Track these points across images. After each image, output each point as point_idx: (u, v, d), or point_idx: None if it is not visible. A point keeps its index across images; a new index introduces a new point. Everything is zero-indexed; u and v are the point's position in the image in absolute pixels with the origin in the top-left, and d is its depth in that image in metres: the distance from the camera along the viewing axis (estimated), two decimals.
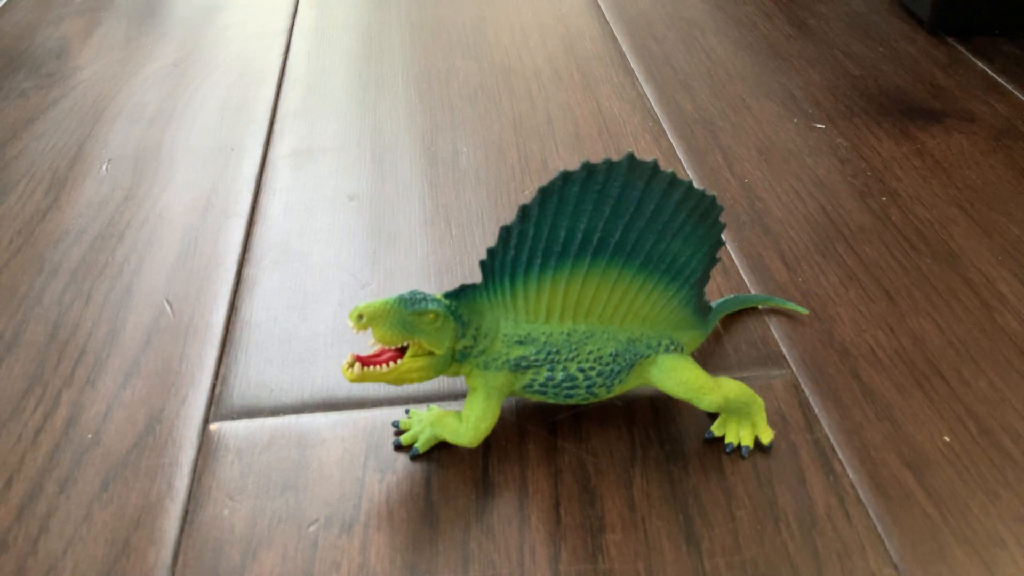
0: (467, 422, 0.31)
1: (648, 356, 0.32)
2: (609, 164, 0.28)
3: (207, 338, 0.38)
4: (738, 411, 0.33)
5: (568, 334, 0.31)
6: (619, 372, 0.32)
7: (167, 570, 0.29)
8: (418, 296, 0.30)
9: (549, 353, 0.31)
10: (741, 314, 0.39)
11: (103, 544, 0.30)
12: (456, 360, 0.31)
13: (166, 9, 0.72)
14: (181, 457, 0.33)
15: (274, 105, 0.57)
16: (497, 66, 0.61)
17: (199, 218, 0.46)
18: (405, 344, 0.30)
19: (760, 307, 0.39)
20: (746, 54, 0.62)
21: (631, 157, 0.28)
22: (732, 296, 0.38)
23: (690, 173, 0.49)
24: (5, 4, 0.74)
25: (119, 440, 0.34)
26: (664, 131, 0.53)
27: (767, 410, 0.34)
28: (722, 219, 0.45)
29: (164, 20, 0.70)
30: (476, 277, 0.42)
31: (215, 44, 0.66)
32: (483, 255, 0.43)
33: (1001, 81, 0.57)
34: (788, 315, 0.39)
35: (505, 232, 0.29)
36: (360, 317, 0.28)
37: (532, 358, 0.31)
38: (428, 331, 0.29)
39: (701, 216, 0.30)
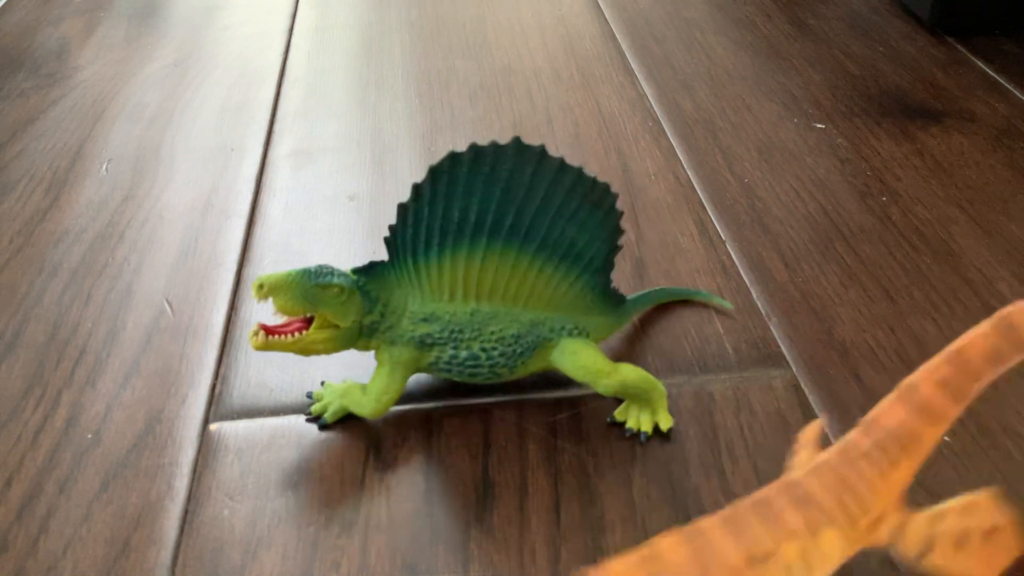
0: (370, 394, 0.32)
1: (551, 339, 0.33)
2: (496, 146, 0.29)
3: (207, 338, 0.38)
4: (638, 397, 0.33)
5: (471, 314, 0.32)
6: (522, 354, 0.33)
7: (167, 570, 0.29)
8: (324, 270, 0.30)
9: (452, 332, 0.32)
10: (740, 316, 0.39)
11: (103, 544, 0.30)
12: (364, 335, 0.32)
13: (166, 9, 0.72)
14: (181, 457, 0.33)
15: (274, 105, 0.57)
16: (497, 66, 0.61)
17: (199, 218, 0.46)
18: (311, 316, 0.31)
19: (690, 300, 0.40)
20: (746, 54, 0.62)
21: (518, 141, 0.29)
22: (656, 288, 0.38)
23: (690, 173, 0.49)
24: (5, 4, 0.74)
25: (119, 440, 0.34)
26: (664, 131, 0.53)
27: (768, 410, 0.34)
28: (721, 219, 0.45)
29: (164, 20, 0.70)
30: None
31: (215, 44, 0.66)
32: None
33: (1001, 81, 0.57)
34: (789, 315, 0.39)
35: (402, 210, 0.30)
36: (261, 287, 0.29)
37: (436, 336, 0.32)
38: (333, 304, 0.30)
39: (595, 203, 0.31)
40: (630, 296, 0.37)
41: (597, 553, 0.29)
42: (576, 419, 0.34)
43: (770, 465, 0.32)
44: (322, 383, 0.35)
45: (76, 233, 0.45)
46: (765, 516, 0.24)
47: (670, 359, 0.37)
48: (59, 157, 0.52)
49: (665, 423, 0.33)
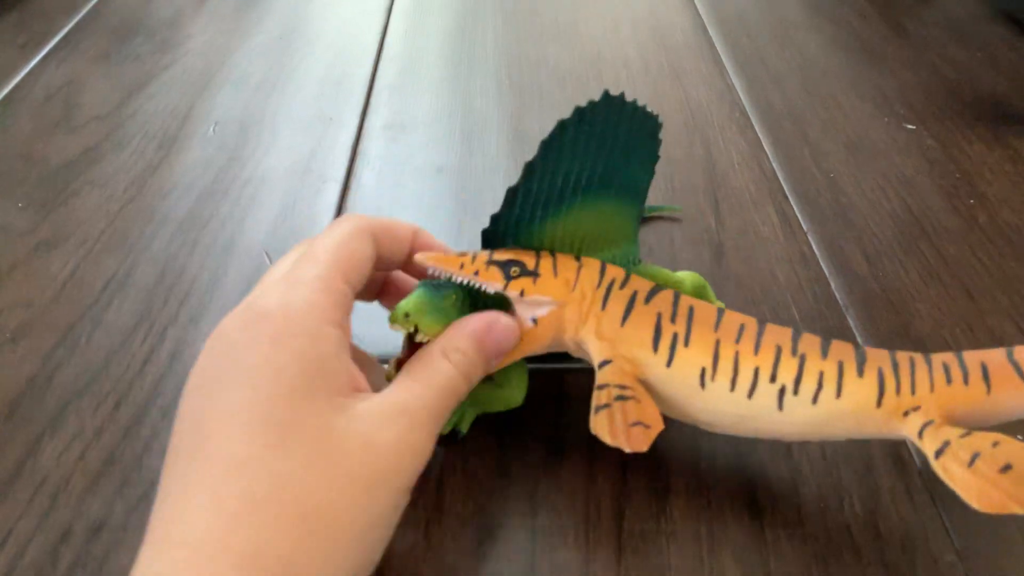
0: (511, 383, 0.33)
1: (628, 270, 0.33)
2: (592, 104, 0.29)
3: None
4: (698, 295, 0.36)
5: None
6: None
7: None
8: (434, 283, 0.30)
9: None
10: (818, 306, 0.39)
11: None
12: None
13: None
14: None
15: (371, 80, 0.59)
16: (587, 53, 0.62)
17: (298, 181, 0.49)
18: (419, 337, 0.30)
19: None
20: (840, 53, 0.61)
21: (607, 94, 0.30)
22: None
23: (775, 164, 0.49)
24: None
25: None
26: (751, 123, 0.53)
27: None
28: (804, 211, 0.45)
29: None
30: None
31: (318, 20, 0.68)
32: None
33: None
34: (867, 307, 0.39)
35: (511, 194, 0.30)
36: (407, 316, 0.28)
37: None
38: (456, 313, 0.30)
39: (650, 135, 0.32)
40: None
41: (660, 515, 0.30)
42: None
43: (839, 447, 0.33)
44: None
45: (184, 188, 0.48)
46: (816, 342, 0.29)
47: None
48: (170, 118, 0.55)
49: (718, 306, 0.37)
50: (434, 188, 0.48)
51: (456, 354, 0.27)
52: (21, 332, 0.38)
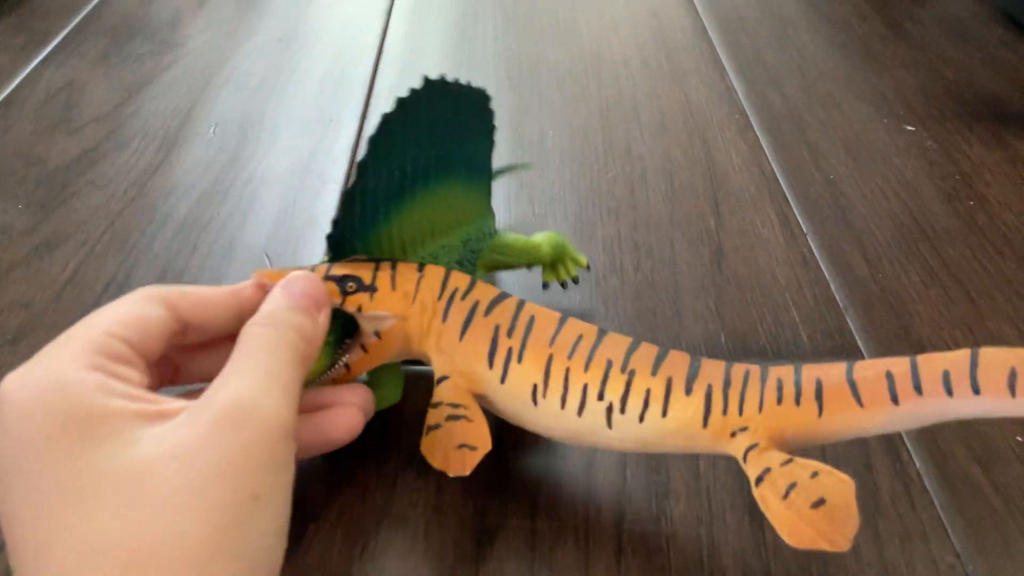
0: (382, 384, 0.33)
1: (481, 248, 0.34)
2: (414, 92, 0.29)
3: None
4: (559, 253, 0.38)
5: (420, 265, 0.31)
6: (469, 274, 0.32)
7: None
8: None
9: None
10: (818, 307, 0.39)
11: None
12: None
13: None
14: None
15: (371, 80, 0.59)
16: (587, 54, 0.62)
17: (298, 182, 0.49)
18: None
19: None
20: (839, 53, 0.61)
21: (426, 79, 0.29)
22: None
23: (774, 165, 0.49)
24: None
25: None
26: (751, 124, 0.53)
27: None
28: (803, 212, 0.45)
29: None
30: None
31: (318, 21, 0.68)
32: (564, 232, 0.44)
33: None
34: (867, 309, 0.39)
35: (348, 197, 0.28)
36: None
37: None
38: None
39: (480, 109, 0.32)
40: None
41: (661, 516, 0.30)
42: None
43: (838, 448, 0.33)
44: None
45: (185, 188, 0.48)
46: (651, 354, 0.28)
47: (744, 342, 0.37)
48: (170, 118, 0.55)
49: (582, 259, 0.39)
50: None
51: (264, 318, 0.26)
52: (21, 333, 0.38)
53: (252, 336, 0.25)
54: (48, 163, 0.50)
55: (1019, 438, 0.33)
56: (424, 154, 0.30)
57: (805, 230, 0.44)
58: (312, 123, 0.54)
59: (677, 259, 0.42)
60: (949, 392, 0.24)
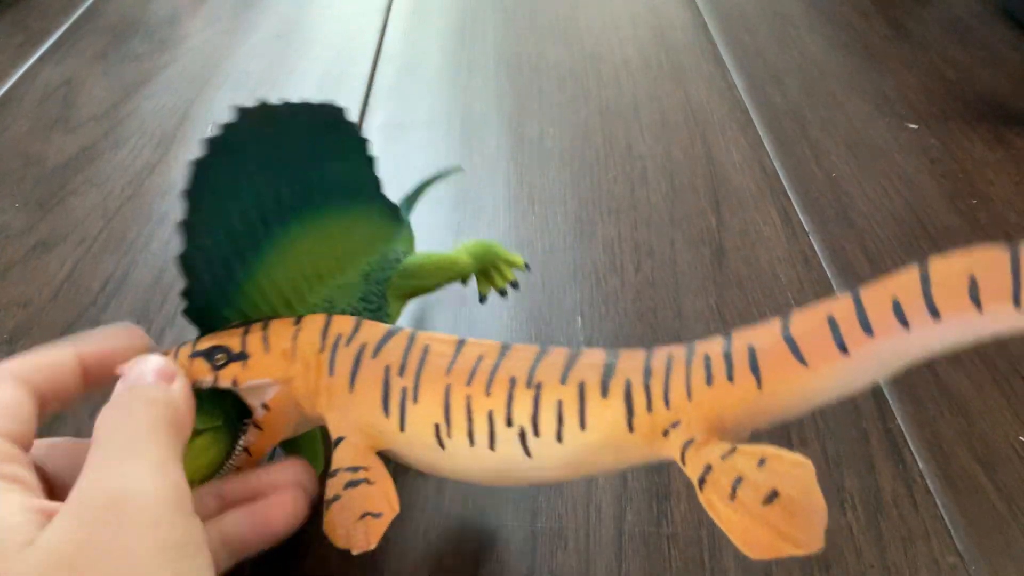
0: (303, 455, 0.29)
1: (389, 277, 0.30)
2: (229, 126, 0.24)
3: None
4: (488, 260, 0.35)
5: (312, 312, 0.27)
6: (379, 309, 0.30)
7: None
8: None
9: None
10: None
11: None
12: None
13: None
14: None
15: (370, 79, 0.59)
16: (587, 52, 0.62)
17: None
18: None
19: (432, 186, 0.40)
20: (840, 52, 0.61)
21: (240, 108, 0.24)
22: (413, 189, 0.39)
23: (776, 164, 0.49)
24: None
25: None
26: (752, 122, 0.53)
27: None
28: (805, 210, 0.45)
29: None
30: (556, 252, 0.43)
31: (316, 19, 0.68)
32: (564, 233, 0.44)
33: None
34: None
35: (185, 261, 0.25)
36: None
37: None
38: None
39: (335, 126, 0.27)
40: (399, 201, 0.35)
41: (662, 518, 0.30)
42: None
43: (840, 448, 0.32)
44: None
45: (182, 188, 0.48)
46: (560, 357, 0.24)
47: None
48: (168, 117, 0.55)
49: (517, 260, 0.36)
50: (433, 189, 0.48)
51: (113, 399, 0.23)
52: (19, 332, 0.38)
53: (104, 421, 0.22)
54: (46, 162, 0.50)
55: (1022, 438, 0.33)
56: (270, 191, 0.25)
57: (807, 229, 0.44)
58: None
59: (678, 259, 0.42)
60: (905, 324, 0.20)
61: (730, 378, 0.22)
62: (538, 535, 0.30)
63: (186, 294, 0.25)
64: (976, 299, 0.19)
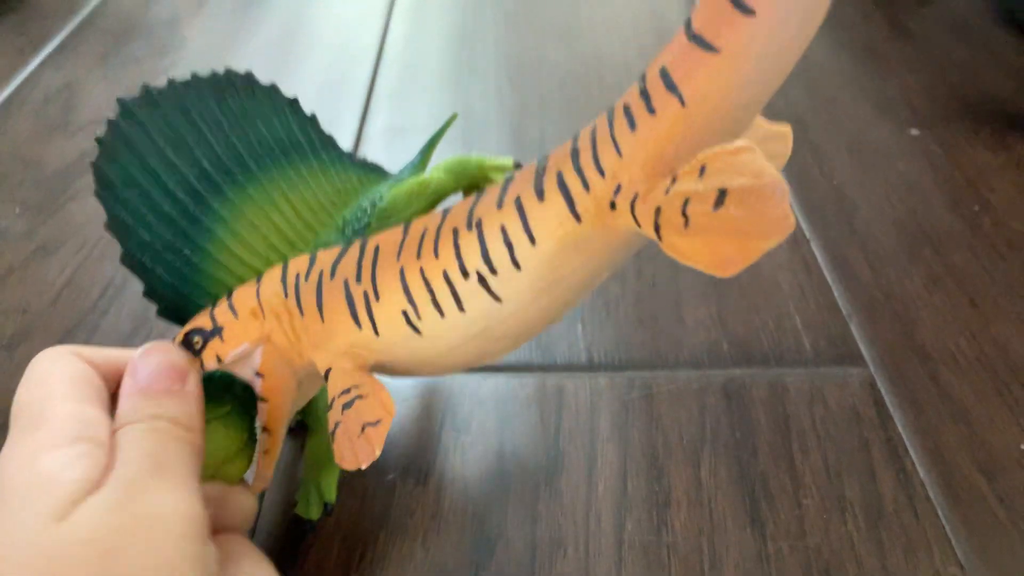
0: (324, 428, 0.29)
1: (368, 223, 0.28)
2: (115, 123, 0.24)
3: None
4: (468, 173, 0.32)
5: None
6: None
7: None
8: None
9: None
10: (821, 313, 0.39)
11: None
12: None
13: None
14: None
15: (371, 82, 0.59)
16: (588, 54, 0.62)
17: None
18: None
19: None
20: (842, 54, 0.61)
21: (120, 100, 0.25)
22: (415, 157, 0.34)
23: None
24: None
25: None
26: None
27: (843, 406, 0.34)
28: (806, 216, 0.45)
29: None
30: None
31: (317, 22, 0.68)
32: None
33: None
34: (870, 315, 0.39)
35: (130, 262, 0.25)
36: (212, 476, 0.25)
37: None
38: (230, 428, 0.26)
39: (252, 93, 0.27)
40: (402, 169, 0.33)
41: (662, 526, 0.30)
42: (647, 399, 0.35)
43: (841, 457, 0.32)
44: None
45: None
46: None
47: (746, 349, 0.37)
48: None
49: (504, 163, 0.32)
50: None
51: (122, 417, 0.22)
52: (18, 338, 0.38)
53: (122, 439, 0.22)
54: (46, 166, 0.50)
55: (1023, 446, 0.33)
56: (192, 168, 0.25)
57: (808, 235, 0.44)
58: None
59: (679, 264, 0.42)
60: None
61: (651, 111, 0.19)
62: (537, 543, 0.29)
63: (148, 293, 0.25)
64: None
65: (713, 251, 0.18)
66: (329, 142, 0.29)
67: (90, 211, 0.46)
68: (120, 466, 0.21)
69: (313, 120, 0.28)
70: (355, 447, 0.22)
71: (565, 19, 0.67)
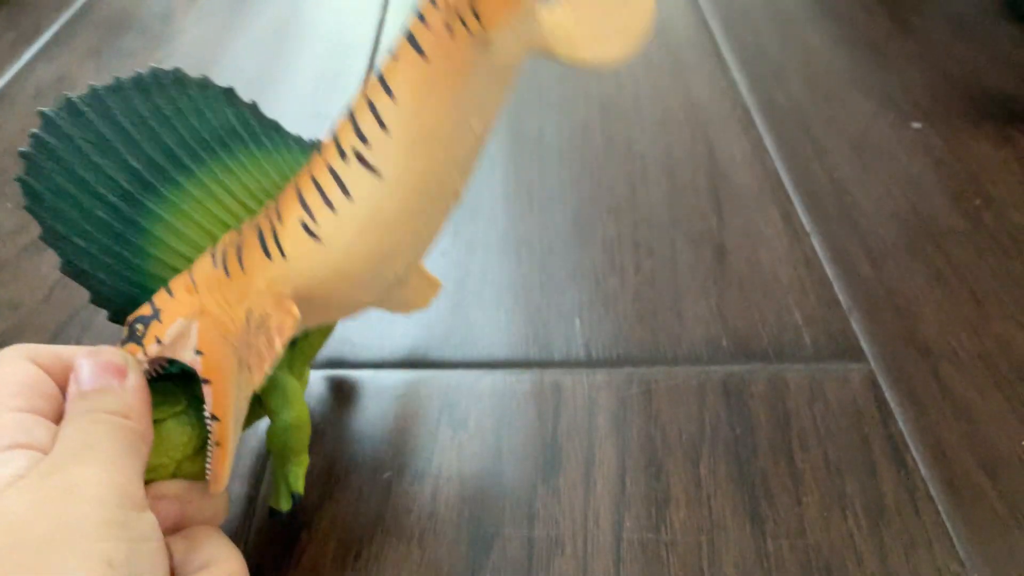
0: (281, 407, 0.28)
1: None
2: (32, 136, 0.24)
3: None
4: None
5: None
6: None
7: (246, 499, 0.30)
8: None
9: None
10: (821, 309, 0.39)
11: None
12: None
13: None
14: None
15: (367, 76, 0.58)
16: None
17: None
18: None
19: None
20: (843, 49, 0.61)
21: (41, 113, 0.24)
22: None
23: (777, 163, 0.48)
24: None
25: None
26: (753, 121, 0.52)
27: (843, 402, 0.34)
28: (807, 211, 0.45)
29: None
30: (554, 252, 0.42)
31: (312, 14, 0.67)
32: (562, 233, 0.43)
33: None
34: (871, 311, 0.38)
35: (70, 270, 0.25)
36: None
37: None
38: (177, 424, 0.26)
39: (181, 86, 0.26)
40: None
41: (661, 524, 0.30)
42: (646, 396, 0.34)
43: (842, 454, 0.32)
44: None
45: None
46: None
47: (746, 345, 0.37)
48: None
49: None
50: None
51: (67, 415, 0.23)
52: (10, 335, 0.38)
53: (59, 435, 0.22)
54: None
55: (1022, 443, 0.32)
56: (121, 170, 0.25)
57: (809, 229, 0.43)
58: (307, 119, 0.53)
59: (678, 259, 0.42)
60: None
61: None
62: (535, 542, 0.29)
63: (95, 300, 0.25)
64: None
65: (584, 24, 0.20)
66: (272, 127, 0.29)
67: None
68: (48, 456, 0.21)
69: (253, 107, 0.28)
70: (261, 354, 0.24)
71: None
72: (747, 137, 0.51)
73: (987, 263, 0.41)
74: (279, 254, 0.24)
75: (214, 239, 0.26)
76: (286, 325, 0.23)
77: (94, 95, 0.25)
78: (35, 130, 0.24)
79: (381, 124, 0.22)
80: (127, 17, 0.66)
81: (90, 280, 0.25)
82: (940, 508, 0.30)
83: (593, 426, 0.33)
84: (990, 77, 0.57)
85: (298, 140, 0.29)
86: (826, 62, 0.59)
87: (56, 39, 0.63)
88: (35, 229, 0.44)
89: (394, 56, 0.22)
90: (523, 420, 0.33)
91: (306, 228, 0.24)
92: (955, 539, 0.29)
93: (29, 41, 0.62)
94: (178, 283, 0.25)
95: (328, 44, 0.62)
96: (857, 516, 0.30)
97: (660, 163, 0.48)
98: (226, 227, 0.27)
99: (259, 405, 0.28)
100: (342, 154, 0.23)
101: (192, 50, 0.61)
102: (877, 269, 0.41)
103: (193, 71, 0.58)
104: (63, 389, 0.24)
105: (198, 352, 0.24)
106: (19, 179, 0.24)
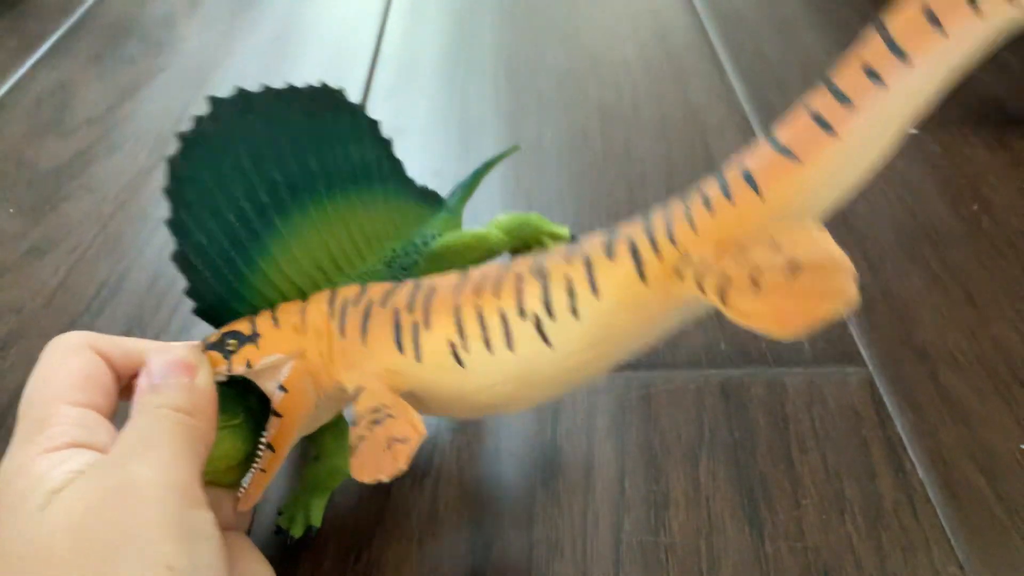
0: (328, 454, 0.29)
1: (416, 263, 0.29)
2: (205, 119, 0.24)
3: None
4: (525, 235, 0.34)
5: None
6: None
7: None
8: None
9: None
10: None
11: None
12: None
13: None
14: None
15: (367, 82, 0.59)
16: (586, 54, 0.62)
17: None
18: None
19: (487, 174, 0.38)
20: (840, 53, 0.61)
21: (211, 98, 0.25)
22: (469, 176, 0.36)
23: None
24: None
25: None
26: (751, 125, 0.53)
27: (841, 405, 0.34)
28: None
29: None
30: None
31: (313, 22, 0.68)
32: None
33: None
34: (869, 314, 0.39)
35: (181, 261, 0.25)
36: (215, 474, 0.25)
37: None
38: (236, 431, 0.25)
39: (337, 109, 0.27)
40: (453, 190, 0.34)
41: (660, 527, 0.30)
42: (645, 399, 0.35)
43: (840, 457, 0.32)
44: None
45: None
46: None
47: (744, 349, 0.37)
48: (164, 120, 0.54)
49: (561, 232, 0.34)
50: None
51: (135, 408, 0.23)
52: (11, 339, 0.38)
53: (122, 431, 0.22)
54: (39, 166, 0.50)
55: (1023, 446, 0.32)
56: (263, 180, 0.25)
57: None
58: None
59: None
60: (881, 83, 0.20)
61: (728, 197, 0.22)
62: (534, 544, 0.29)
63: (190, 293, 0.25)
64: (936, 22, 0.19)
65: (779, 312, 0.20)
66: (397, 168, 0.29)
67: (84, 211, 0.46)
68: (109, 452, 0.21)
69: (388, 144, 0.29)
70: (379, 460, 0.23)
71: (563, 18, 0.67)
72: (745, 141, 0.51)
73: (984, 267, 0.41)
74: (413, 354, 0.24)
75: (320, 271, 0.27)
76: (413, 443, 0.23)
77: (266, 95, 0.25)
78: (200, 114, 0.24)
79: (574, 311, 0.23)
80: (129, 24, 0.67)
81: (195, 275, 0.25)
82: (938, 511, 0.30)
83: (592, 429, 0.33)
84: (986, 83, 0.57)
85: (411, 183, 0.30)
86: (823, 67, 0.59)
87: (58, 46, 0.63)
88: (36, 234, 0.44)
89: (612, 258, 0.23)
90: (522, 424, 0.34)
91: (453, 350, 0.24)
92: (953, 542, 0.29)
93: (31, 48, 0.62)
94: (287, 316, 0.25)
95: (329, 51, 0.63)
96: (855, 519, 0.30)
97: (659, 168, 0.49)
98: (333, 263, 0.27)
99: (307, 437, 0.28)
100: (521, 312, 0.23)
101: (194, 57, 0.62)
102: (875, 273, 0.41)
103: (195, 78, 0.59)
104: (120, 380, 0.24)
105: (282, 388, 0.25)
106: (169, 159, 0.24)
